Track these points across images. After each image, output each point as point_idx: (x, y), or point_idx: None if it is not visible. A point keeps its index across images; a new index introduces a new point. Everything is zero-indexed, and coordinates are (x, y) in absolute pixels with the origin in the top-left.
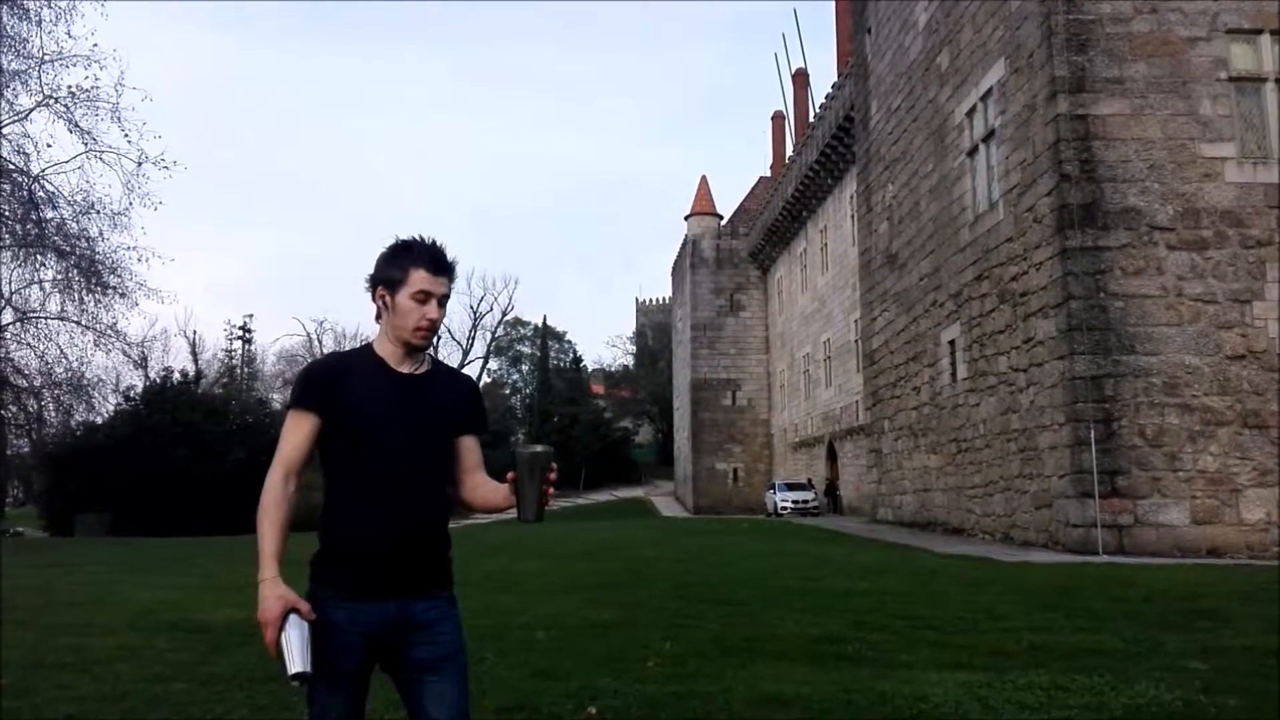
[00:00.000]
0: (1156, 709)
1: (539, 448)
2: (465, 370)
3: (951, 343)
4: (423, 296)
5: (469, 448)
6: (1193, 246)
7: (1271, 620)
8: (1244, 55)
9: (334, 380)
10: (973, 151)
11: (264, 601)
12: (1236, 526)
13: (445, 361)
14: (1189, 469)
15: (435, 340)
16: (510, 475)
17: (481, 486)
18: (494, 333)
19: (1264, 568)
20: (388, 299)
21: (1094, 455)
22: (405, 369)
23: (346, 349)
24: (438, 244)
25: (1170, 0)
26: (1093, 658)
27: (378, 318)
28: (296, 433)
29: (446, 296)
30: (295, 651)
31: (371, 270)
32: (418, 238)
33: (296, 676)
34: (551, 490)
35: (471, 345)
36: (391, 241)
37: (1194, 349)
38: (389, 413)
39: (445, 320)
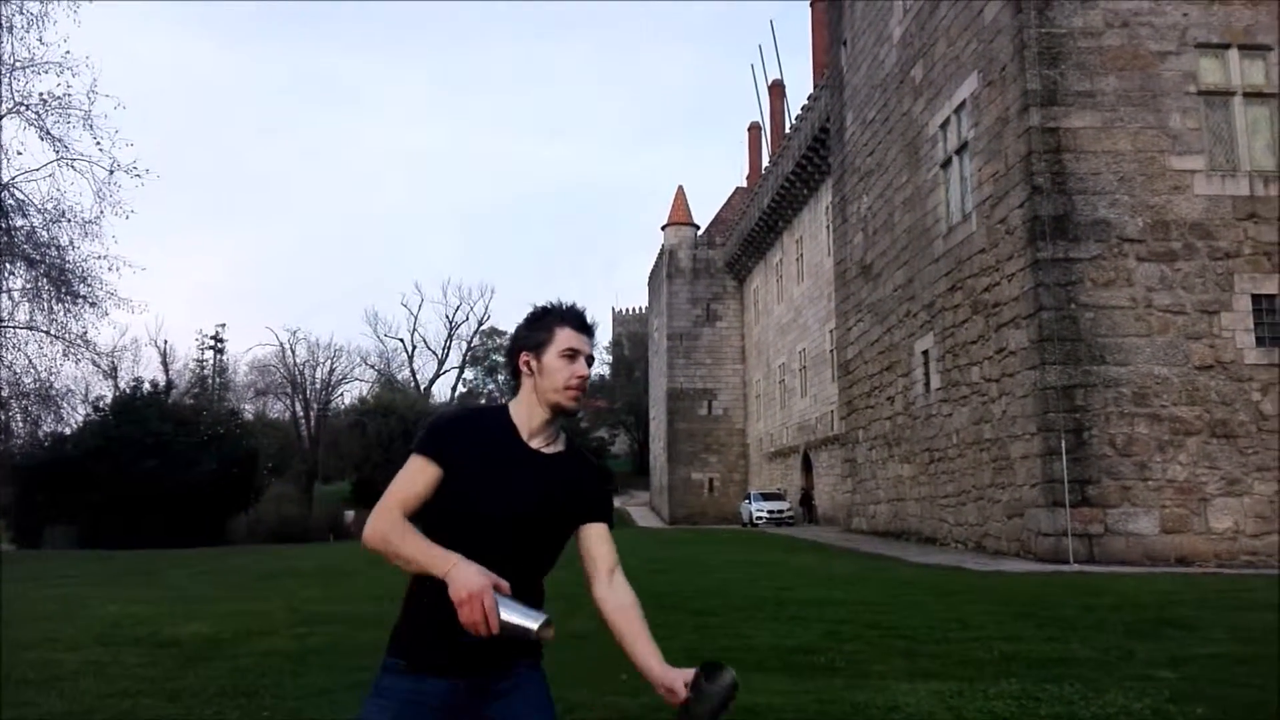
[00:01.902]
0: (1126, 718)
1: (729, 676)
2: (440, 379)
3: (925, 353)
4: (571, 354)
5: (599, 538)
6: (1162, 258)
7: (1239, 629)
8: (1213, 69)
9: (462, 437)
10: (946, 163)
11: (467, 580)
12: (1205, 535)
13: (401, 375)
14: (1158, 478)
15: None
16: (685, 697)
17: (626, 617)
18: (469, 343)
19: (1232, 576)
20: (533, 362)
21: (1065, 465)
22: (535, 443)
23: (483, 405)
24: (578, 306)
25: (1141, 15)
26: (1063, 667)
27: (516, 387)
28: (418, 480)
29: (592, 358)
30: (523, 609)
31: (509, 342)
32: (556, 301)
33: (546, 623)
34: None
35: (447, 355)
36: (529, 310)
37: (1163, 359)
38: (507, 487)
39: (421, 330)
